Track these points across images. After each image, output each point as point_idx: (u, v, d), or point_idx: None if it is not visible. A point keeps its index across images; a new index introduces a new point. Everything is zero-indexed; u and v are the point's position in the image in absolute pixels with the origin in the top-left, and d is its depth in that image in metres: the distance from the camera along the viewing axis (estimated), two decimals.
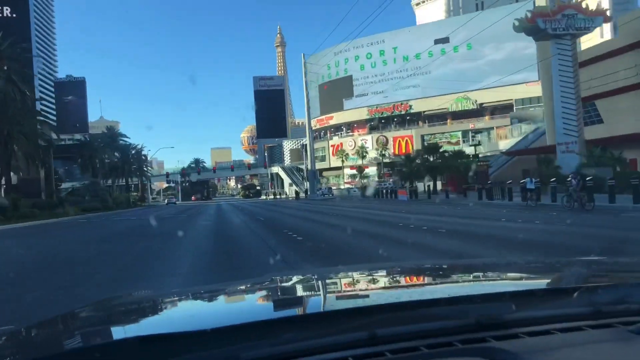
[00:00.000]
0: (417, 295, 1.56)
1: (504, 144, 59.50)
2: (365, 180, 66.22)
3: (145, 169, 75.42)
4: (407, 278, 1.93)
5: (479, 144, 44.65)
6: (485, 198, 26.77)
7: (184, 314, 1.51)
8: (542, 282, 1.70)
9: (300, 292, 1.79)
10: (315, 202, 42.42)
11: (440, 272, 2.04)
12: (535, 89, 76.01)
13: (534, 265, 2.35)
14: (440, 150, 39.98)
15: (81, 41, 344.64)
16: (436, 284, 1.76)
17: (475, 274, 1.97)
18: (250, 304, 1.62)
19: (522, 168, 43.67)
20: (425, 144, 78.85)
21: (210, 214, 30.74)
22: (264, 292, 1.78)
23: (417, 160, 40.93)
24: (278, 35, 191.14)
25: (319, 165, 75.45)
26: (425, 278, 1.91)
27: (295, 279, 2.10)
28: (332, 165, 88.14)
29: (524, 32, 32.31)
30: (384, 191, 44.09)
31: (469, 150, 43.26)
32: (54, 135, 44.01)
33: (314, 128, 77.27)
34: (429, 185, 37.24)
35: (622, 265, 2.12)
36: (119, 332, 1.24)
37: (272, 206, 38.45)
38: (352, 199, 46.30)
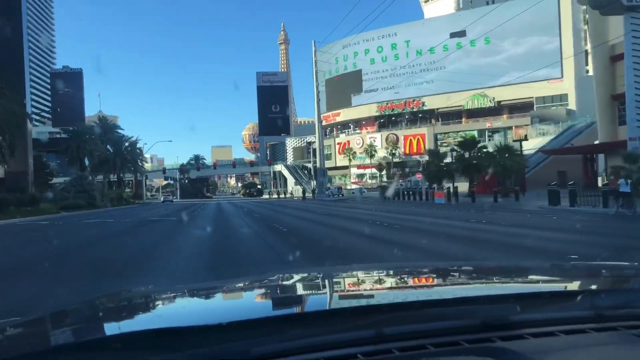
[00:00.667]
0: (425, 295, 1.56)
1: (528, 144, 54.88)
2: (378, 180, 61.29)
3: (140, 163, 69.37)
4: (415, 279, 1.90)
5: (526, 138, 39.67)
6: (564, 203, 20.87)
7: (197, 308, 1.51)
8: (546, 285, 1.70)
9: (310, 290, 1.78)
10: (330, 204, 36.99)
11: (447, 274, 2.00)
12: (558, 87, 71.52)
13: (540, 268, 2.36)
14: (479, 145, 34.69)
15: (81, 37, 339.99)
16: (443, 285, 1.75)
17: (482, 276, 1.95)
18: (261, 301, 1.62)
19: (557, 169, 39.08)
20: (439, 142, 74.43)
21: (208, 216, 25.94)
22: (274, 290, 1.77)
23: (447, 158, 35.81)
24: (282, 32, 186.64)
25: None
26: (432, 279, 1.89)
27: (304, 277, 2.09)
28: (338, 164, 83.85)
29: (588, 5, 27.24)
30: (404, 192, 38.93)
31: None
32: (31, 125, 38.82)
33: None
34: (468, 186, 32.09)
35: (625, 270, 2.05)
36: (134, 324, 1.26)
37: (282, 207, 32.64)
38: (369, 201, 40.79)
